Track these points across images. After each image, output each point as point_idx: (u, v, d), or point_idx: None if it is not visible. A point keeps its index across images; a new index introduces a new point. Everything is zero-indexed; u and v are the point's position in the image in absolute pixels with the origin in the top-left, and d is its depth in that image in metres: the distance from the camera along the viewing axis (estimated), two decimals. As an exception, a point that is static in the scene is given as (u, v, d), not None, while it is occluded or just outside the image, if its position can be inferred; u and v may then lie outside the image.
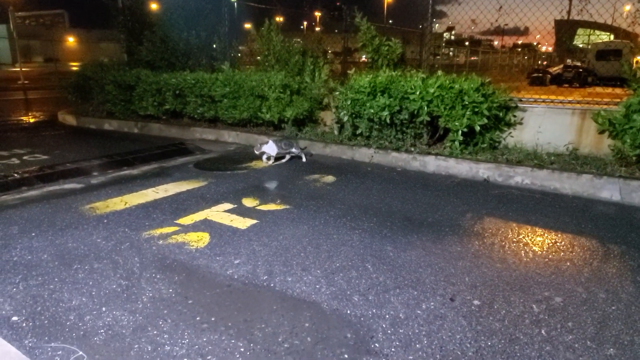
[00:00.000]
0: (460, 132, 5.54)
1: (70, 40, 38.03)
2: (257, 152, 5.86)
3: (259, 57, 8.07)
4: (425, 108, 5.57)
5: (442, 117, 5.60)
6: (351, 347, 2.23)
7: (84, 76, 9.20)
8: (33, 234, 3.53)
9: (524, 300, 2.68)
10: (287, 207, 4.25)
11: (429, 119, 5.66)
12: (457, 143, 5.65)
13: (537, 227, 3.87)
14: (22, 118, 10.59)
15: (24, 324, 2.37)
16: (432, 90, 5.48)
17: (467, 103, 5.42)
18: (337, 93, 6.49)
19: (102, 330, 2.33)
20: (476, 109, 5.42)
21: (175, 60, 8.90)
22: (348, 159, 6.35)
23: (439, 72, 5.84)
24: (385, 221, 3.92)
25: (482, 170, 5.36)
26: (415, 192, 4.83)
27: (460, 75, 5.84)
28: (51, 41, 28.07)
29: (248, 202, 4.36)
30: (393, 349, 2.22)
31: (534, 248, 3.43)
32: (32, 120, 10.22)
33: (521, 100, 6.08)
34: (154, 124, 8.37)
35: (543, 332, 2.37)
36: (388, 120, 5.88)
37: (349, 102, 6.17)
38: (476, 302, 2.66)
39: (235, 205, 4.26)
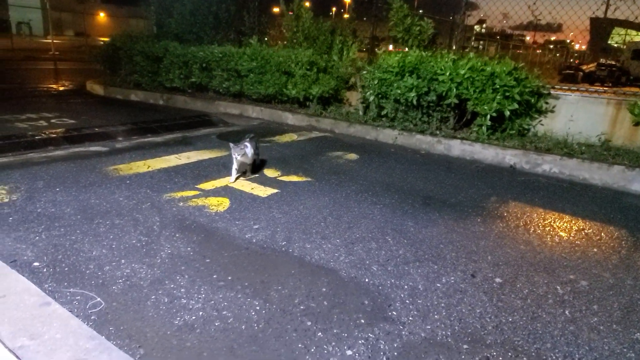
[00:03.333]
0: (488, 116, 5.40)
1: (101, 15, 38.42)
2: (236, 157, 3.94)
3: (287, 34, 7.98)
4: (454, 90, 5.44)
5: (470, 100, 5.46)
6: (368, 313, 2.19)
7: (114, 46, 9.28)
8: (57, 189, 3.58)
9: (548, 281, 2.60)
10: (309, 179, 4.22)
11: (457, 101, 5.52)
12: (484, 128, 5.52)
13: (564, 213, 3.75)
14: (51, 86, 10.77)
15: (45, 270, 2.40)
16: (462, 72, 5.34)
17: (498, 87, 5.27)
18: (364, 72, 6.39)
19: (120, 281, 2.34)
20: (507, 94, 5.26)
21: (204, 34, 8.88)
22: (371, 139, 6.27)
23: (471, 54, 5.68)
24: (406, 198, 3.85)
25: (509, 157, 5.22)
26: (439, 173, 4.74)
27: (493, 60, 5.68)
28: (83, 14, 28.41)
29: (269, 173, 4.34)
30: (411, 318, 2.17)
31: (560, 233, 3.32)
32: (61, 89, 10.38)
33: (554, 88, 5.89)
34: (179, 96, 8.40)
35: (567, 312, 2.30)
36: (415, 102, 5.77)
37: (376, 82, 6.06)
38: (498, 279, 2.59)
39: (257, 175, 4.24)
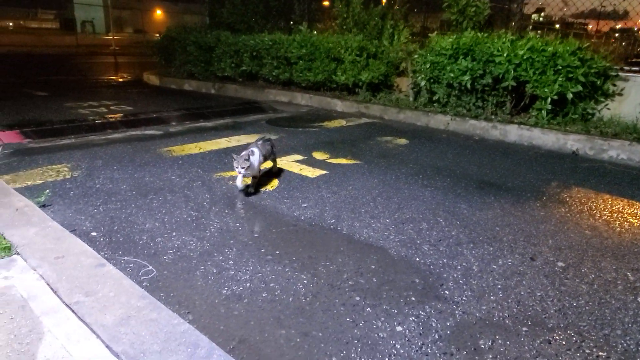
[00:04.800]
0: (549, 99, 5.10)
1: (158, 12, 39.90)
2: (240, 170, 3.03)
3: (337, 20, 7.91)
4: (512, 72, 5.17)
5: (529, 83, 5.17)
6: (419, 292, 2.11)
7: (169, 37, 9.56)
8: (115, 168, 3.72)
9: (616, 267, 2.40)
10: (358, 162, 4.15)
11: (514, 84, 5.25)
12: (544, 112, 5.22)
13: (634, 200, 3.47)
14: (111, 78, 11.27)
15: (101, 239, 2.48)
16: (521, 53, 5.06)
17: (560, 68, 4.96)
18: (415, 56, 6.21)
19: (171, 251, 2.38)
20: (570, 75, 4.94)
21: (254, 23, 8.98)
22: (422, 125, 6.09)
23: (530, 34, 5.37)
24: (459, 182, 3.70)
25: (571, 142, 4.91)
26: (494, 158, 4.53)
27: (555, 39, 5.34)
28: (140, 10, 29.67)
29: (318, 155, 4.31)
30: (465, 298, 2.07)
31: (630, 219, 3.07)
32: (120, 80, 10.84)
33: (622, 69, 5.47)
34: (230, 85, 8.54)
35: (639, 299, 2.11)
36: (469, 86, 5.54)
37: (427, 66, 5.88)
38: (560, 263, 2.42)
39: (305, 157, 4.22)
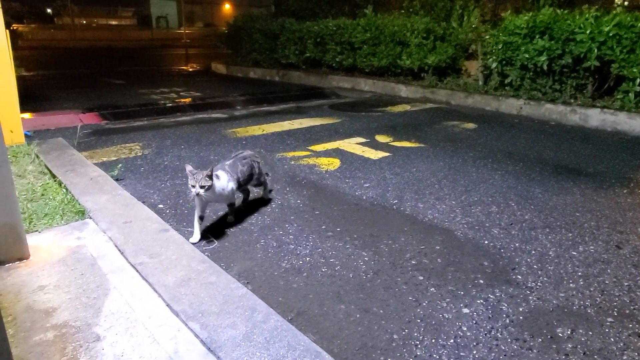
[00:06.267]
0: (638, 81, 4.63)
1: (227, 7, 41.11)
2: (196, 190, 2.01)
3: (404, 3, 7.68)
4: (595, 51, 4.74)
5: (615, 63, 4.72)
6: (488, 275, 1.97)
7: (235, 26, 9.78)
8: (182, 147, 3.84)
9: None
10: (422, 145, 4.00)
11: (598, 64, 4.81)
12: (632, 95, 4.74)
13: None
14: (182, 67, 11.75)
15: (167, 211, 2.55)
16: (606, 29, 4.63)
17: (653, 45, 4.48)
18: (487, 37, 5.88)
19: (232, 225, 2.40)
20: (665, 53, 4.45)
21: (319, 10, 8.96)
22: (492, 110, 5.77)
23: (618, 9, 4.89)
24: (533, 166, 3.45)
25: (664, 128, 4.44)
26: (573, 143, 4.19)
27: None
28: (210, 5, 30.77)
29: (381, 138, 4.20)
30: (539, 284, 1.90)
31: None
32: (190, 69, 11.27)
33: None
34: (294, 72, 8.58)
35: None
36: (545, 67, 5.16)
37: (500, 47, 5.54)
38: (652, 253, 2.17)
39: (368, 140, 4.13)
